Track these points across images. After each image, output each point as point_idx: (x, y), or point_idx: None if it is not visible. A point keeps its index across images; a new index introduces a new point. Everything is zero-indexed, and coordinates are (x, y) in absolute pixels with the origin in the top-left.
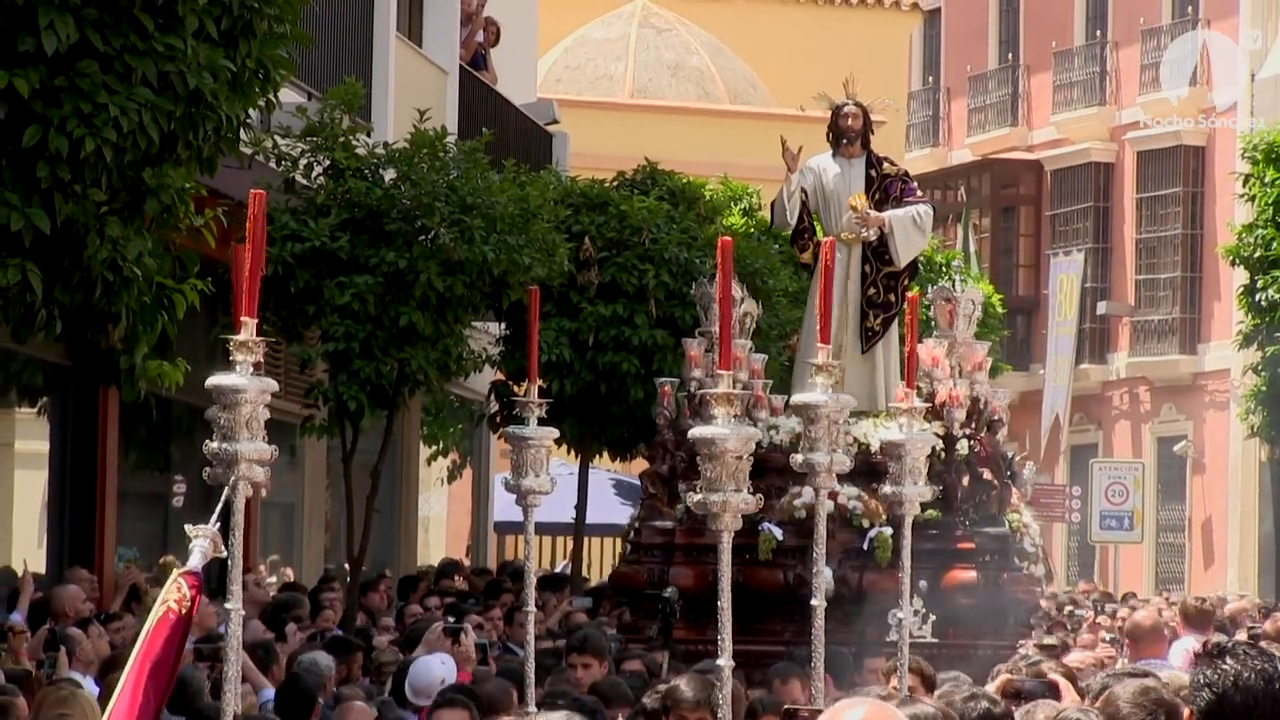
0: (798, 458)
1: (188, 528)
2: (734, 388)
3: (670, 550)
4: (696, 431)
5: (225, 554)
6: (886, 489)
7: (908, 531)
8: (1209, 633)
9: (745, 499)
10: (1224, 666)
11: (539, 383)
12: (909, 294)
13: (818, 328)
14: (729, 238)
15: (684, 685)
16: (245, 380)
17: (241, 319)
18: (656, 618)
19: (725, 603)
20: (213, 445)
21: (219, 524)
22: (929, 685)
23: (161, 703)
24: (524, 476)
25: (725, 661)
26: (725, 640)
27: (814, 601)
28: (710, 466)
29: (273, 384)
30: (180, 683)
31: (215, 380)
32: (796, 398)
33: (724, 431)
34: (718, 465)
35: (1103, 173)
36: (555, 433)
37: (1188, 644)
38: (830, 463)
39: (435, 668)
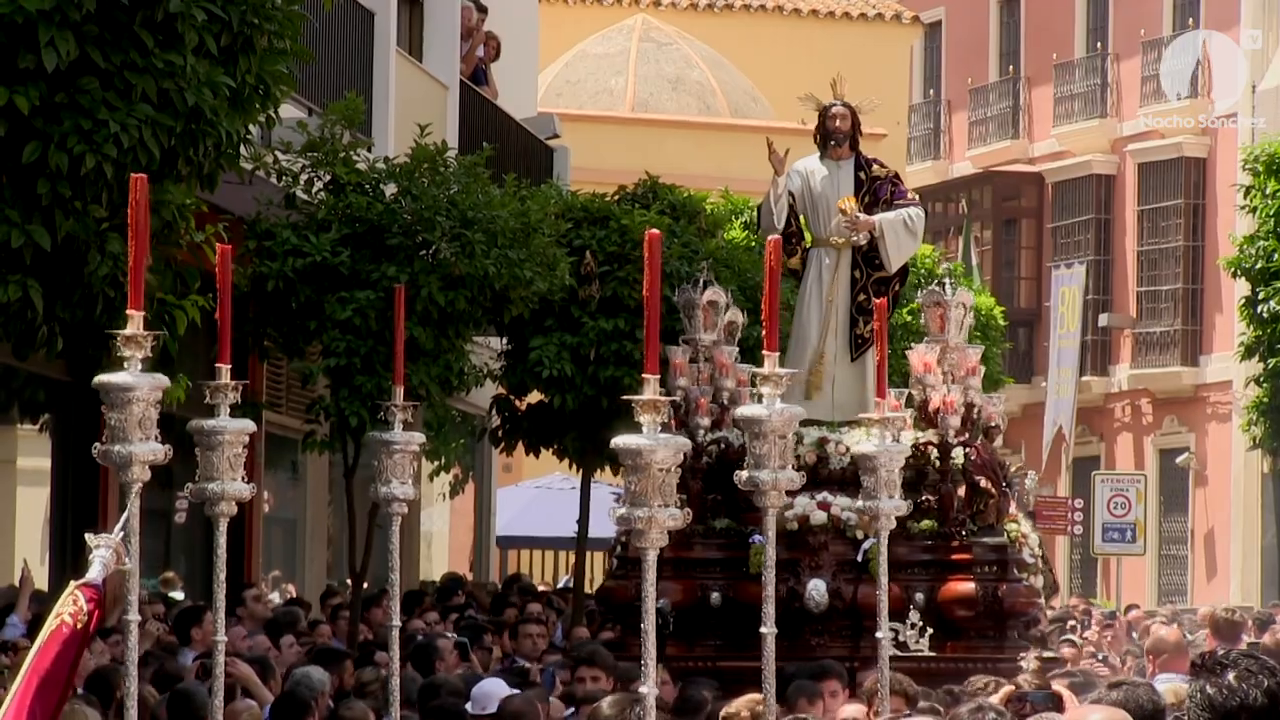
0: (742, 474)
1: (88, 537)
2: (661, 393)
3: (658, 564)
4: (620, 441)
5: (127, 565)
6: (859, 504)
7: (883, 546)
8: (1238, 645)
9: (673, 514)
10: (1226, 684)
11: (541, 395)
12: (877, 300)
13: (805, 334)
14: (656, 231)
15: (605, 705)
16: (134, 378)
17: (129, 311)
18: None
19: (649, 625)
20: (101, 447)
21: (122, 534)
22: (913, 704)
23: None
24: (387, 484)
25: (649, 689)
26: (649, 666)
27: (763, 629)
28: (635, 479)
29: (164, 380)
30: (185, 697)
31: (103, 379)
32: (739, 411)
33: (649, 442)
34: (643, 478)
35: (1104, 185)
36: (420, 438)
37: None
38: (776, 481)
39: (500, 689)
